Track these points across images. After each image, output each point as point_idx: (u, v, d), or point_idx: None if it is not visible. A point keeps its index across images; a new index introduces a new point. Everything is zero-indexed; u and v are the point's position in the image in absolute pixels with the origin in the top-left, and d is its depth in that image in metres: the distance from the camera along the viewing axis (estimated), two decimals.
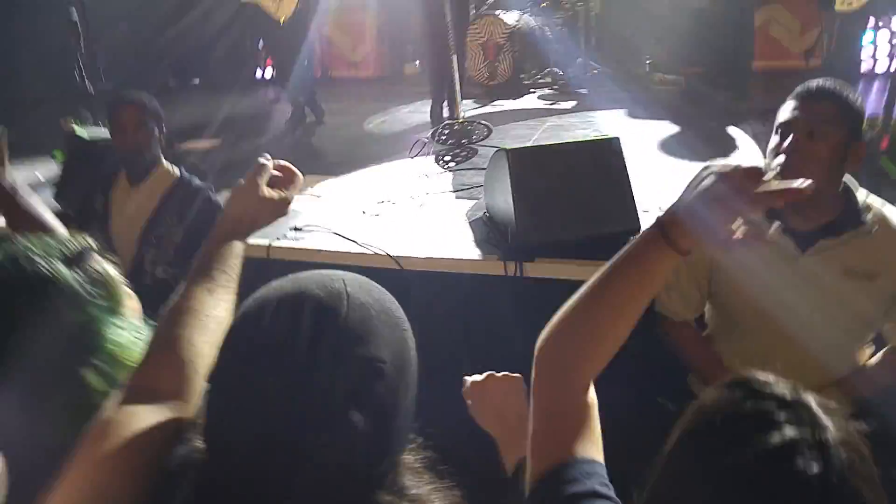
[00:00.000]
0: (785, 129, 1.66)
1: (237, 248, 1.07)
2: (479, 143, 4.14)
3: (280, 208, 1.13)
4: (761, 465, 0.70)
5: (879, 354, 1.82)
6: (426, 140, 4.17)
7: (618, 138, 2.67)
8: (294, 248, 2.83)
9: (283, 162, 1.15)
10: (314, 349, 0.72)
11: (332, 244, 2.87)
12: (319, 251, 2.83)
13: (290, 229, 2.99)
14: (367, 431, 0.71)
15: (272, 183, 1.11)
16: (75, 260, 1.03)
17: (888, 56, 5.63)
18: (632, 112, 5.12)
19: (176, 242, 2.34)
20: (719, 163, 0.94)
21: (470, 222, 2.99)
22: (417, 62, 7.31)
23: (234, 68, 6.74)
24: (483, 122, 4.35)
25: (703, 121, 4.77)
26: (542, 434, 0.97)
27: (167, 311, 0.98)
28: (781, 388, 0.76)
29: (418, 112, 5.48)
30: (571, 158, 2.61)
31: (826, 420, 0.72)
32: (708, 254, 1.71)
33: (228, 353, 0.78)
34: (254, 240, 2.92)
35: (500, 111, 5.47)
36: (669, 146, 4.16)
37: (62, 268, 0.99)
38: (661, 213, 0.95)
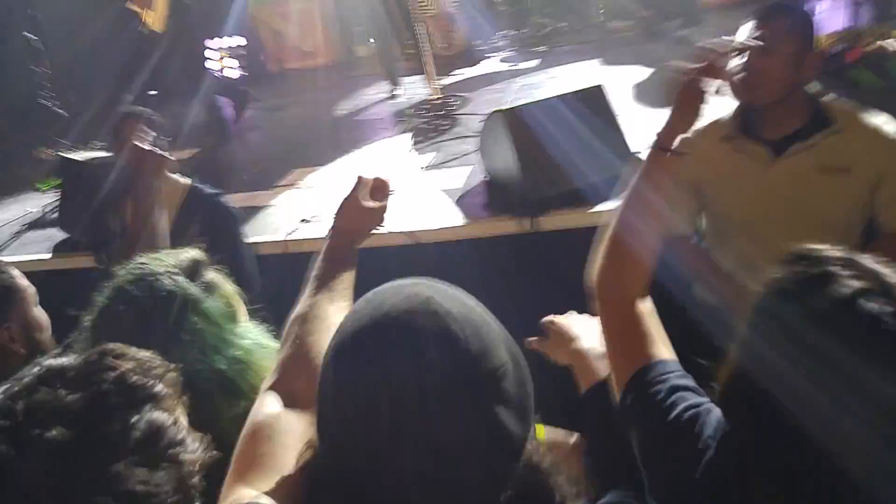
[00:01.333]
0: (742, 48, 1.79)
1: (350, 257, 1.17)
2: (457, 113, 4.20)
3: (379, 216, 1.23)
4: (838, 312, 0.80)
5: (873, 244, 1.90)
6: (404, 118, 4.22)
7: (601, 85, 2.78)
8: (309, 240, 2.88)
9: (377, 175, 1.26)
10: (446, 387, 0.71)
11: None
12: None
13: (300, 221, 3.04)
14: (511, 424, 0.73)
15: (371, 194, 1.22)
16: (193, 271, 1.09)
17: None
18: (593, 62, 5.23)
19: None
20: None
21: (471, 189, 3.07)
22: (372, 40, 7.27)
23: (191, 76, 6.65)
24: (456, 94, 4.42)
25: (665, 58, 4.89)
26: (618, 350, 1.14)
27: (292, 320, 1.05)
28: (837, 251, 0.87)
29: (383, 91, 5.50)
30: (563, 110, 2.71)
31: (885, 270, 0.83)
32: (692, 176, 1.85)
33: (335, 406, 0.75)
34: (267, 237, 2.98)
35: (466, 79, 5.52)
36: (640, 88, 4.28)
37: (184, 281, 1.06)
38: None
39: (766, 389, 0.84)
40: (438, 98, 4.18)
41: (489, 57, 6.13)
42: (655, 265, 1.20)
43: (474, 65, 5.95)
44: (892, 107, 3.08)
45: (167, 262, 1.12)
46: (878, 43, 3.33)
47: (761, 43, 1.75)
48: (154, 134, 2.40)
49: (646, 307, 1.15)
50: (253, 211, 3.19)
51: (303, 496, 0.80)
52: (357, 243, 1.21)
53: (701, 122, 1.88)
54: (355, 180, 1.23)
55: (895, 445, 0.77)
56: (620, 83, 4.40)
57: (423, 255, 2.75)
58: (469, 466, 0.72)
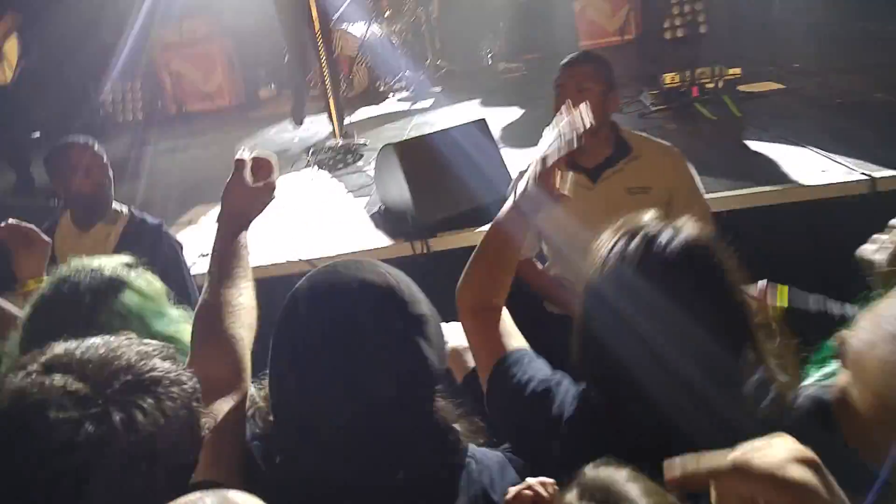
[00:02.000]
0: (560, 90, 2.12)
1: (242, 238, 1.23)
2: (356, 147, 4.41)
3: (267, 194, 1.27)
4: (639, 261, 1.08)
5: None
6: (308, 157, 4.37)
7: (484, 119, 3.07)
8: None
9: (256, 153, 1.28)
10: (383, 319, 0.94)
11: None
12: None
13: (199, 256, 3.11)
14: (432, 358, 0.95)
15: (253, 174, 1.25)
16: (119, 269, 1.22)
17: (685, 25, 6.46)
18: (484, 101, 5.61)
19: None
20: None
21: (369, 216, 3.26)
22: (272, 85, 7.41)
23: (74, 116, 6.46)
24: (356, 132, 4.63)
25: (545, 98, 5.31)
26: (480, 347, 1.34)
27: (198, 309, 1.15)
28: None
29: (285, 131, 5.64)
30: (449, 142, 2.97)
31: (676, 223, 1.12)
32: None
33: (288, 338, 0.95)
34: None
35: (366, 118, 5.75)
36: (521, 124, 4.65)
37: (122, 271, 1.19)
38: (514, 196, 1.36)
39: (603, 344, 1.04)
40: (339, 136, 4.36)
41: (389, 97, 6.42)
42: (510, 281, 1.40)
43: (375, 104, 6.22)
44: (728, 134, 3.58)
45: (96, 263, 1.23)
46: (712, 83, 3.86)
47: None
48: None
49: (504, 313, 1.35)
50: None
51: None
52: (248, 224, 1.25)
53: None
54: (235, 161, 1.25)
55: (706, 369, 0.96)
56: (503, 119, 4.78)
57: None
58: (398, 386, 0.93)
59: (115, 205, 2.48)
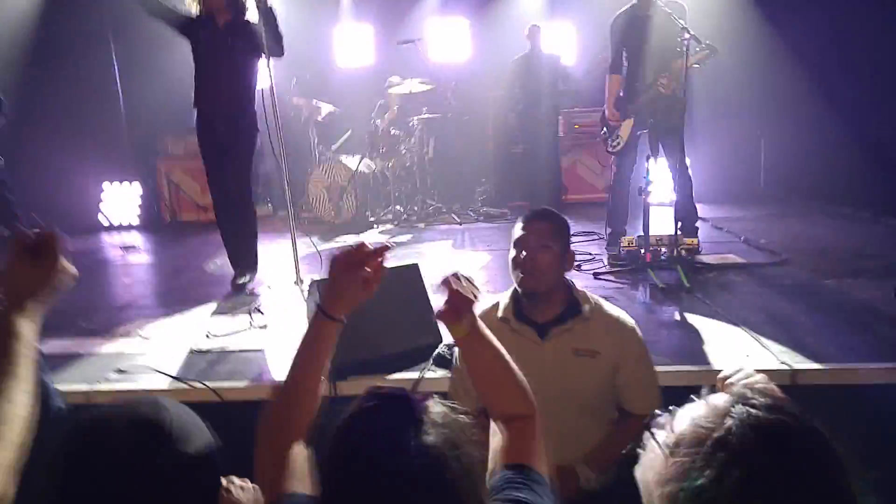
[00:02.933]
0: (519, 244, 2.08)
1: (20, 328, 1.11)
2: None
3: (52, 274, 1.15)
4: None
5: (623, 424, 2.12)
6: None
7: (416, 264, 3.06)
8: (116, 391, 2.86)
9: (37, 231, 1.19)
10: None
11: (156, 383, 2.93)
12: (143, 390, 2.88)
13: (114, 371, 3.03)
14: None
15: (37, 253, 1.14)
16: None
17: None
18: (459, 242, 5.70)
19: None
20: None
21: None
22: (269, 203, 7.63)
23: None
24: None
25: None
26: (265, 481, 1.24)
27: None
28: None
29: (269, 251, 5.70)
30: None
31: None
32: None
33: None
34: (73, 385, 2.93)
35: (340, 246, 5.82)
36: (489, 270, 4.67)
37: None
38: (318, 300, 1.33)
39: None
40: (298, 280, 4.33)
41: (373, 228, 6.56)
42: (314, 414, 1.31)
43: (357, 233, 6.34)
44: (669, 302, 3.51)
45: None
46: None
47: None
48: None
49: (299, 448, 1.25)
50: (71, 360, 3.17)
51: None
52: (36, 308, 1.14)
53: (482, 304, 2.10)
54: (9, 242, 1.17)
55: None
56: (469, 262, 4.81)
57: (229, 413, 2.78)
58: None
59: None
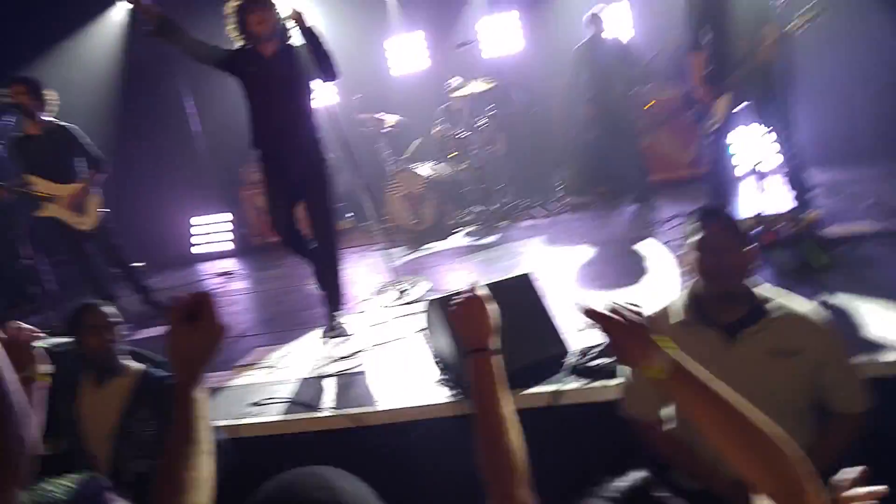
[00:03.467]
0: (702, 246, 1.98)
1: (197, 396, 1.12)
2: (416, 290, 4.42)
3: (215, 335, 1.15)
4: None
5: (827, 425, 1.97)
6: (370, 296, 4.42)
7: (527, 274, 2.99)
8: (256, 424, 2.93)
9: (189, 294, 1.17)
10: None
11: (294, 413, 2.99)
12: (280, 422, 2.94)
13: (249, 405, 3.11)
14: None
15: (194, 316, 1.15)
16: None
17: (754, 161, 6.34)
18: (550, 238, 5.59)
19: (150, 435, 2.39)
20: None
21: (426, 366, 3.17)
22: (349, 215, 7.74)
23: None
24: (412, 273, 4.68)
25: (618, 236, 5.24)
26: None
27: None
28: None
29: (358, 264, 5.78)
30: (495, 298, 2.89)
31: None
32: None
33: None
34: (217, 422, 3.02)
35: (431, 254, 5.84)
36: (591, 264, 4.55)
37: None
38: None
39: None
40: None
41: (456, 232, 6.54)
42: (524, 460, 1.26)
43: (442, 239, 6.33)
44: (804, 283, 3.29)
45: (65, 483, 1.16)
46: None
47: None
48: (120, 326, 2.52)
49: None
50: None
51: None
52: (201, 373, 1.14)
53: (654, 309, 2.02)
54: (163, 312, 1.20)
55: None
56: (570, 258, 4.71)
57: (367, 438, 2.80)
58: None
59: (131, 362, 2.55)
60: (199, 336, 1.14)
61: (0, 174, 4.36)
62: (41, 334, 1.53)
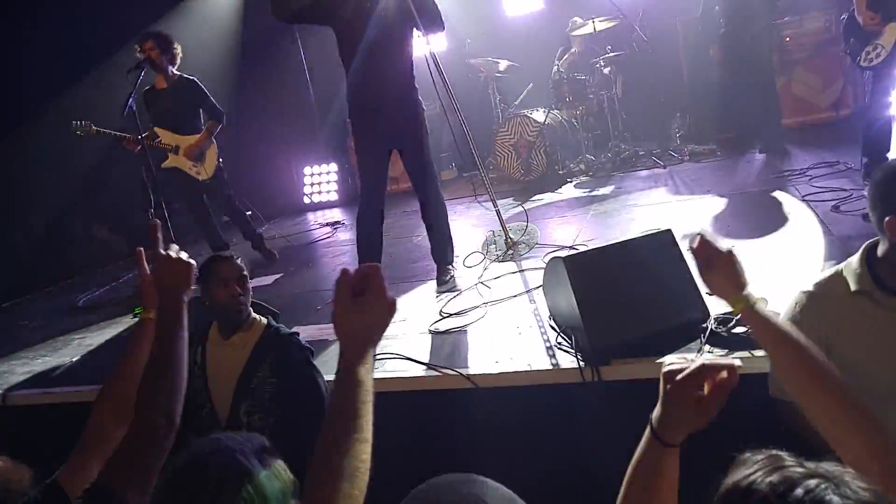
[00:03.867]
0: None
1: (361, 373, 1.06)
2: (527, 243, 4.24)
3: (384, 311, 1.10)
4: None
5: None
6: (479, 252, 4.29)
7: (670, 230, 2.73)
8: (377, 380, 2.90)
9: (357, 269, 1.12)
10: None
11: (405, 369, 2.94)
12: (398, 378, 2.90)
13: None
14: None
15: (361, 291, 1.10)
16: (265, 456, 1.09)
17: None
18: (671, 189, 5.20)
19: (270, 391, 2.38)
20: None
21: (538, 327, 3.03)
22: (453, 165, 7.61)
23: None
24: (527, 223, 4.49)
25: (747, 187, 4.80)
26: None
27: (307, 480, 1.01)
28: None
29: (465, 215, 5.66)
30: (628, 257, 2.66)
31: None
32: (822, 334, 1.67)
33: None
34: (330, 376, 3.00)
35: (541, 205, 5.61)
36: (721, 220, 4.18)
37: (257, 465, 1.07)
38: (651, 422, 1.09)
39: None
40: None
41: (568, 182, 6.25)
42: None
43: (553, 190, 6.07)
44: None
45: (240, 440, 1.12)
46: None
47: None
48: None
49: None
50: (323, 346, 3.27)
51: None
52: (364, 355, 1.08)
53: (822, 276, 1.76)
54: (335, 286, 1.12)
55: None
56: (692, 210, 4.35)
57: (480, 398, 2.71)
58: None
59: (256, 316, 2.54)
60: (367, 312, 1.08)
61: (131, 126, 4.56)
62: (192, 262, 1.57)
